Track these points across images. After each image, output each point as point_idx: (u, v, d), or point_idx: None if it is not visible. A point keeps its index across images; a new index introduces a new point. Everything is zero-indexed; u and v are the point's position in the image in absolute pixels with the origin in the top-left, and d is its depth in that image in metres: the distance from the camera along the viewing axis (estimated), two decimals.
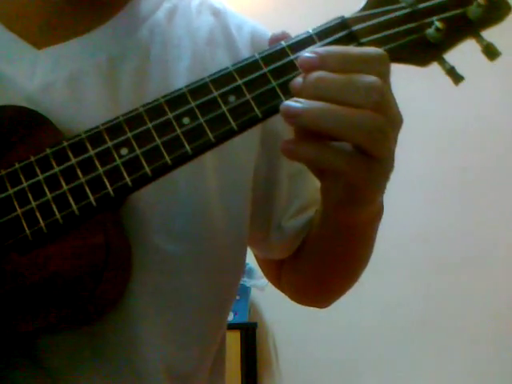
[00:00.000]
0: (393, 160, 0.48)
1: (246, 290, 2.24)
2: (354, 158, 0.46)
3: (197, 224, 0.59)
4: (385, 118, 0.45)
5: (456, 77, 0.49)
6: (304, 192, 0.69)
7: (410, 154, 2.21)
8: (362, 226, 0.60)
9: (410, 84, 2.15)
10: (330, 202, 0.52)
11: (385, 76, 0.46)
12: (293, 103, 0.46)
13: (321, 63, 0.46)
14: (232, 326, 2.13)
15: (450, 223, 2.19)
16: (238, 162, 0.63)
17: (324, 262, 0.68)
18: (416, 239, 2.21)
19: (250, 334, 2.19)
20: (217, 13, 0.68)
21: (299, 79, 0.47)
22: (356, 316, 2.20)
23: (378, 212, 0.59)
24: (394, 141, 0.47)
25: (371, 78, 0.45)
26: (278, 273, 0.75)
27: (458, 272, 2.17)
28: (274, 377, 2.32)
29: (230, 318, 2.19)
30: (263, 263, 0.78)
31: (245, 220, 0.64)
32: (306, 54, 0.47)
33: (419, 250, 2.20)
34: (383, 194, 0.53)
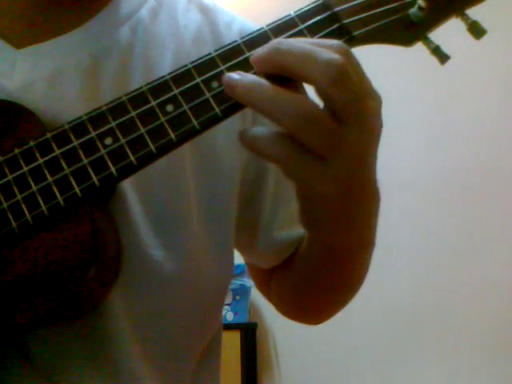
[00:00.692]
0: (350, 168, 0.44)
1: (246, 290, 2.23)
2: (288, 149, 0.44)
3: (175, 230, 0.59)
4: (317, 107, 0.43)
5: (441, 56, 0.48)
6: (292, 200, 0.66)
7: (411, 153, 2.21)
8: (344, 255, 0.57)
9: (412, 85, 2.16)
10: (302, 221, 0.50)
11: (348, 59, 0.44)
12: (232, 74, 0.46)
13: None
14: (232, 326, 2.13)
15: (449, 223, 2.19)
16: (221, 165, 0.62)
17: (309, 282, 0.66)
18: (416, 239, 2.21)
19: (250, 334, 2.18)
20: (205, 10, 0.67)
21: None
22: (356, 316, 2.20)
23: (363, 243, 0.55)
24: (347, 138, 0.43)
25: (333, 54, 0.43)
26: (267, 282, 0.73)
27: (458, 272, 2.16)
28: (273, 377, 2.32)
29: (230, 318, 2.19)
30: (252, 270, 0.76)
31: (228, 222, 0.63)
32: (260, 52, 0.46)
33: (419, 250, 2.20)
34: (362, 219, 0.50)
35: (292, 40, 0.46)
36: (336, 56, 0.43)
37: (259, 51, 0.46)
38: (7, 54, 0.58)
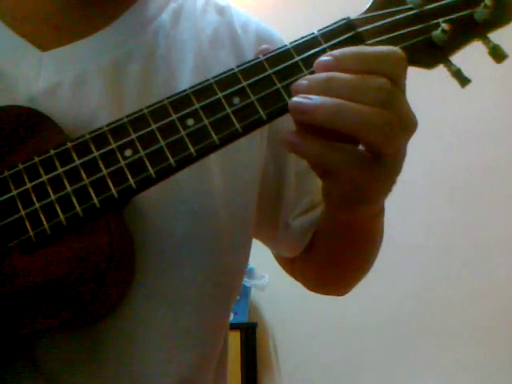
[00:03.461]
0: (400, 163, 0.48)
1: (245, 290, 2.23)
2: (359, 158, 0.45)
3: (200, 226, 0.59)
4: (394, 116, 0.45)
5: (462, 79, 0.48)
6: (312, 190, 0.69)
7: (412, 153, 2.21)
8: (361, 224, 0.60)
9: (413, 85, 2.15)
10: (331, 201, 0.51)
11: (397, 76, 0.46)
12: (304, 100, 0.45)
13: (336, 65, 0.46)
14: (232, 326, 2.11)
15: (450, 223, 2.19)
16: (243, 162, 0.63)
17: (330, 256, 0.69)
18: (416, 239, 2.21)
19: (250, 333, 2.18)
20: (222, 11, 0.68)
21: (303, 81, 0.46)
22: (356, 316, 2.20)
23: (380, 210, 0.59)
24: (402, 142, 0.47)
25: (381, 80, 0.45)
26: (292, 265, 0.76)
27: (459, 272, 2.17)
28: (273, 377, 2.32)
29: (230, 317, 2.19)
30: (277, 257, 0.78)
31: (249, 221, 0.64)
32: (323, 57, 0.47)
33: (419, 250, 2.20)
34: (387, 195, 0.53)
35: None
36: (384, 81, 0.45)
37: (315, 80, 0.46)
38: (33, 56, 0.58)
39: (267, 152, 0.65)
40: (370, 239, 0.66)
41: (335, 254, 0.68)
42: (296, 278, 0.78)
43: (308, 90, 0.46)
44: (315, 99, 0.45)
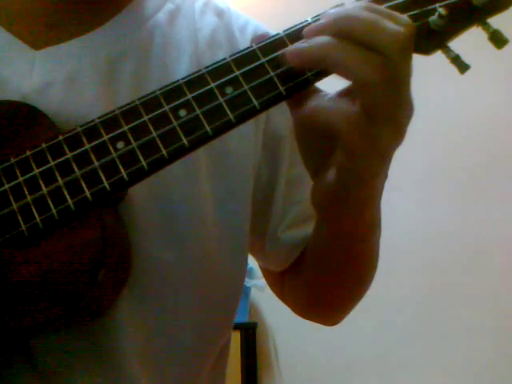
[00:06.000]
0: (389, 145, 0.47)
1: (246, 290, 2.23)
2: (353, 113, 0.45)
3: (189, 231, 0.59)
4: (385, 75, 0.44)
5: (461, 66, 0.48)
6: (303, 201, 0.67)
7: (411, 152, 2.21)
8: (355, 236, 0.58)
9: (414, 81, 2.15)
10: (320, 201, 0.51)
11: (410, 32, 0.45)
12: (298, 44, 0.46)
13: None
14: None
15: (450, 223, 2.19)
16: (236, 168, 0.62)
17: (322, 273, 0.67)
18: (416, 239, 2.20)
19: (250, 333, 2.18)
20: (221, 13, 0.67)
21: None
22: (356, 316, 2.19)
23: (373, 222, 0.57)
24: (398, 103, 0.45)
25: (398, 27, 0.44)
26: (281, 285, 0.74)
27: (458, 272, 2.16)
28: (273, 377, 2.32)
29: None
30: (266, 273, 0.76)
31: (243, 228, 0.63)
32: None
33: (420, 250, 2.20)
34: (375, 196, 0.52)
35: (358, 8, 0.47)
36: (402, 28, 0.44)
37: (322, 19, 0.46)
38: (26, 54, 0.58)
39: (261, 157, 0.65)
40: (360, 261, 0.64)
41: (327, 270, 0.65)
42: (285, 300, 0.75)
43: (320, 30, 0.46)
44: (307, 42, 0.46)
